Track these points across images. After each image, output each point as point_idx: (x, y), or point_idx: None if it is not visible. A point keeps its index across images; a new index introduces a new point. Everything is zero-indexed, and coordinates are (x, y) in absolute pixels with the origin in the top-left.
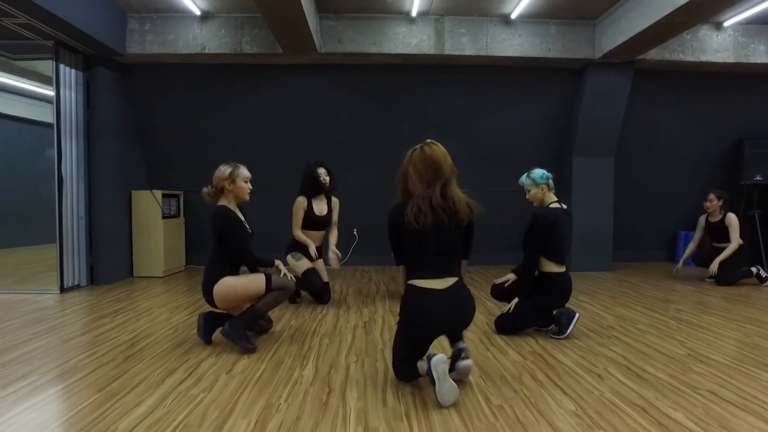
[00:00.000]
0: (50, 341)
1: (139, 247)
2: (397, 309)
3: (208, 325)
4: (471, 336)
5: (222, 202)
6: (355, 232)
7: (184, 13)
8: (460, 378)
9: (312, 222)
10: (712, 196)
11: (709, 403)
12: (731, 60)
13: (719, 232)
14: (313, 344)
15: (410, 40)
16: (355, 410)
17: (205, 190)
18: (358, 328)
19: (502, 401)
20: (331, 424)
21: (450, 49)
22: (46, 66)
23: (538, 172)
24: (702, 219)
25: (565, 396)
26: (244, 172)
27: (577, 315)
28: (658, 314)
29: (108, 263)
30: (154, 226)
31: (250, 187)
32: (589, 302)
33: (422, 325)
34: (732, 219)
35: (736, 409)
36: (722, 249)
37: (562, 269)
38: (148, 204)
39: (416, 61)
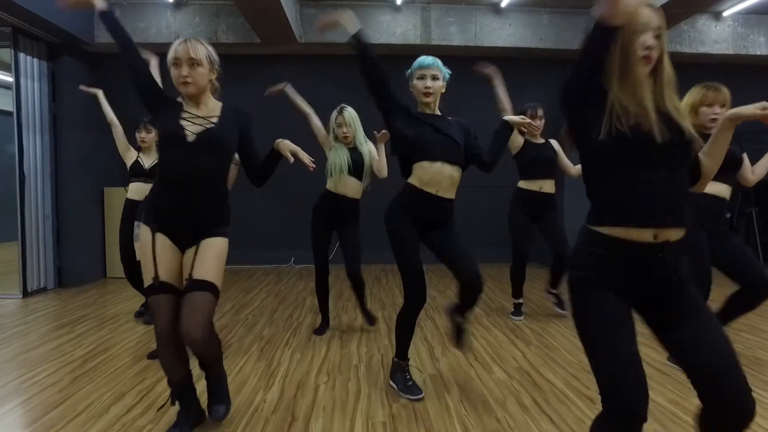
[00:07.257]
0: None
1: (112, 246)
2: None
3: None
4: (455, 352)
5: None
6: None
7: (156, 0)
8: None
9: None
10: None
11: None
12: (730, 51)
13: None
14: (282, 359)
15: (395, 30)
16: None
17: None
18: (333, 340)
19: None
20: None
21: (437, 38)
22: (6, 53)
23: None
24: None
25: (553, 426)
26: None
27: None
28: None
29: (78, 264)
30: None
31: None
32: None
33: None
34: None
35: None
36: None
37: None
38: (121, 201)
39: (402, 51)
